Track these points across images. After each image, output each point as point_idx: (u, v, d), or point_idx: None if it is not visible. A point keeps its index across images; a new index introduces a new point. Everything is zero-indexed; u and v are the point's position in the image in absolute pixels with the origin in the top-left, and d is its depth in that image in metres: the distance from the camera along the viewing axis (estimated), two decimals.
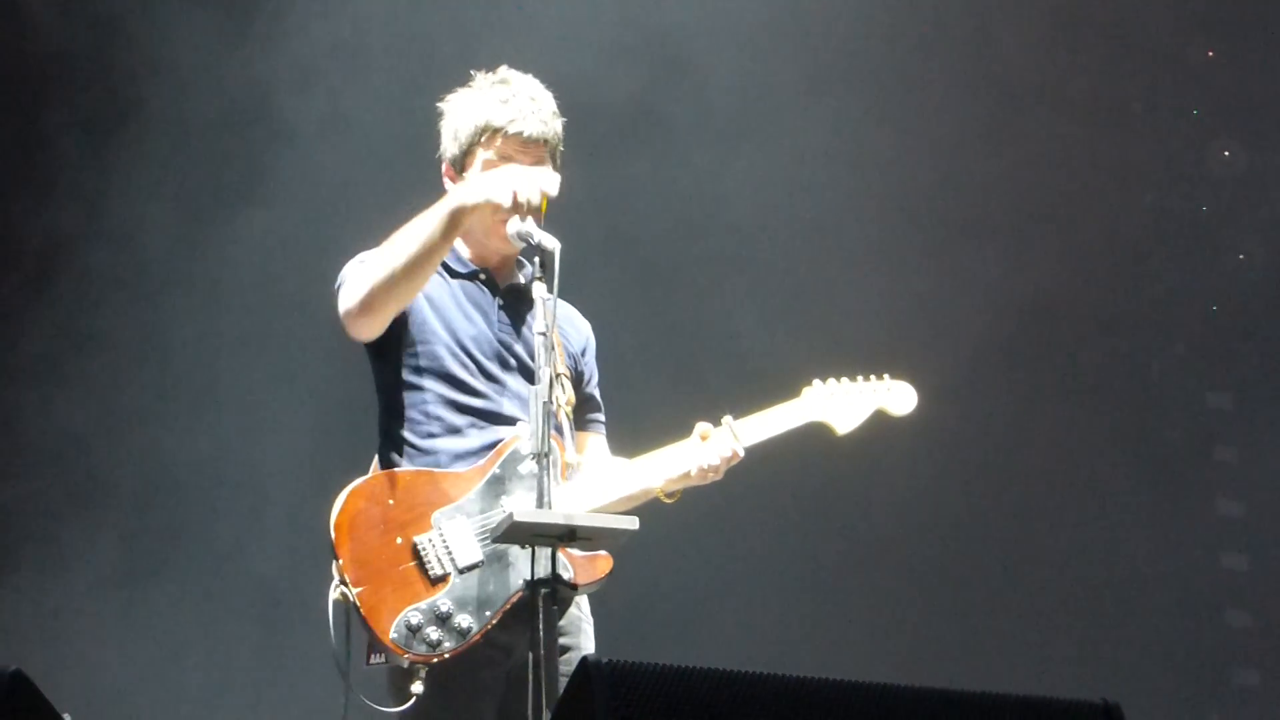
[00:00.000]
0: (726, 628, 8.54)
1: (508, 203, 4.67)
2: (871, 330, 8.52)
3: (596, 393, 5.29)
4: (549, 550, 4.35)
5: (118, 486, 8.50)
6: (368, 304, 4.80)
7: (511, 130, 4.96)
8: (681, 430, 5.03)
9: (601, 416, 5.29)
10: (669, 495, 5.01)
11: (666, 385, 8.27)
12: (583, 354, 5.26)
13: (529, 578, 4.39)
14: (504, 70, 5.11)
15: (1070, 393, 9.16)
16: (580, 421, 5.18)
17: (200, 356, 8.53)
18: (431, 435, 4.90)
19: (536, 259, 4.71)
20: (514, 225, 4.79)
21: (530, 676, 4.24)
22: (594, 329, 5.37)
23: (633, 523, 4.43)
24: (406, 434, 4.94)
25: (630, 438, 5.21)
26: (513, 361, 5.01)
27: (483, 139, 4.98)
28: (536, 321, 4.59)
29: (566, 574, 4.71)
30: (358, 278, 4.85)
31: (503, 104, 4.98)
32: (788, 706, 3.39)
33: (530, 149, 4.98)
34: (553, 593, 4.33)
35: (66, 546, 8.52)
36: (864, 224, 8.91)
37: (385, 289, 4.77)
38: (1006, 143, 9.00)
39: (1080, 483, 9.08)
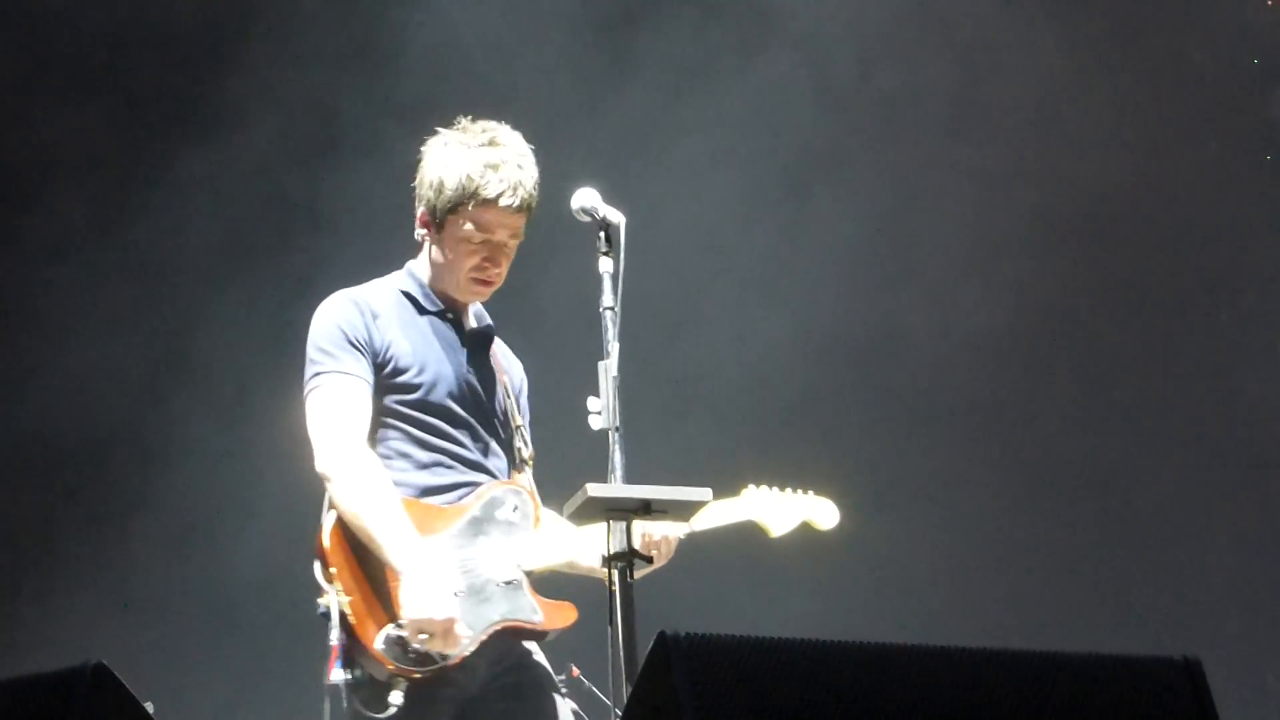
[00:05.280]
0: (780, 599, 8.53)
1: (414, 638, 4.62)
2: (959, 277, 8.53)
3: (528, 432, 5.28)
4: (624, 525, 4.39)
5: (186, 484, 8.61)
6: (325, 478, 4.82)
7: (502, 203, 4.97)
8: None
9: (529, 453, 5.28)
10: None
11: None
12: (519, 394, 5.28)
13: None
14: (493, 126, 5.10)
15: (1138, 346, 9.11)
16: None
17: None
18: (400, 470, 4.90)
19: (601, 234, 4.74)
20: (577, 200, 4.84)
21: (610, 653, 4.29)
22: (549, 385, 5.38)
23: (706, 494, 4.48)
24: None
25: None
26: (475, 404, 5.04)
27: (470, 204, 4.98)
28: (604, 296, 4.66)
29: (536, 617, 4.83)
30: (336, 451, 4.81)
31: (491, 170, 4.98)
32: (866, 673, 3.38)
33: (512, 219, 5.01)
34: (629, 566, 4.36)
35: (140, 540, 8.62)
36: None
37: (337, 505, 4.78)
38: (1068, 97, 8.97)
39: (1157, 433, 9.03)
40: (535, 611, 4.84)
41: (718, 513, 5.05)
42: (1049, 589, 8.76)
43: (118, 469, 8.86)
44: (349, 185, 9.01)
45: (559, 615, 4.88)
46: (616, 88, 9.07)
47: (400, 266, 5.20)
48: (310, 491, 8.07)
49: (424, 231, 5.11)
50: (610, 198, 4.94)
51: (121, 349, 8.80)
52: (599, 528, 4.81)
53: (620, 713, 4.10)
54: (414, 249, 5.19)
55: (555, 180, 5.08)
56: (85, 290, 8.85)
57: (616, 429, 4.44)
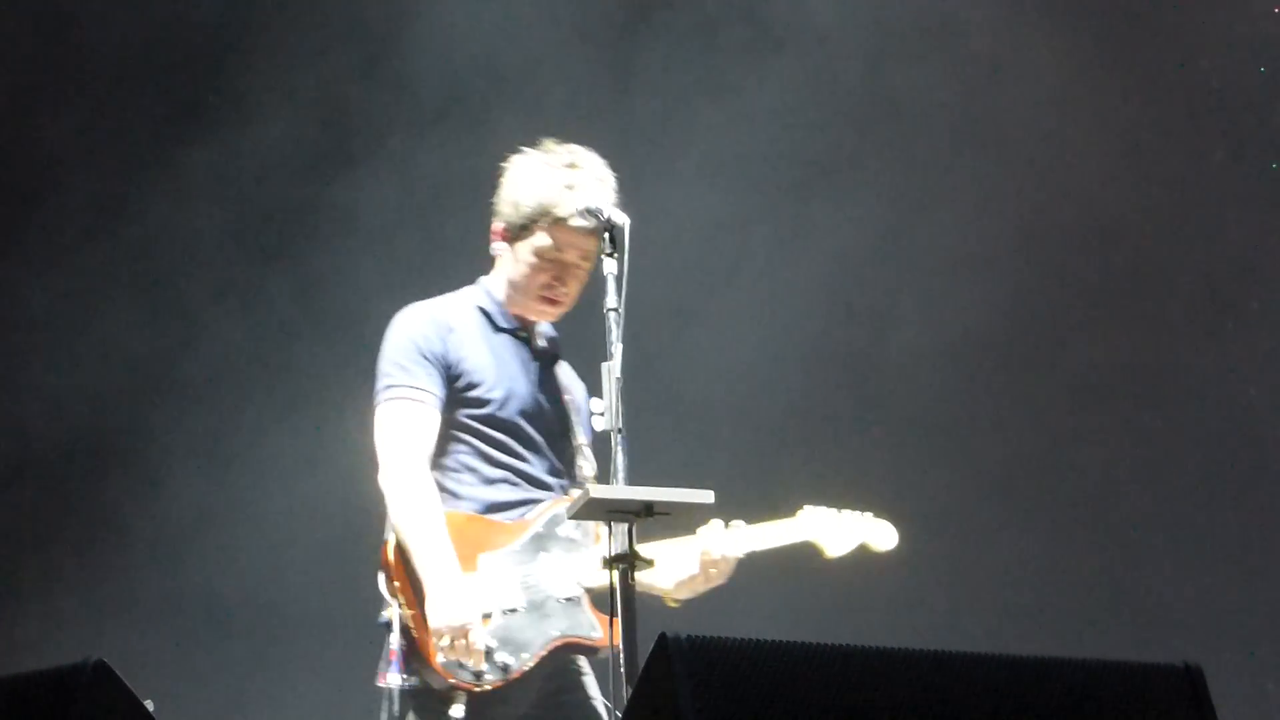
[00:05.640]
0: (781, 602, 8.51)
1: (438, 648, 4.71)
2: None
3: (590, 451, 5.38)
4: (625, 527, 4.40)
5: (187, 486, 8.61)
6: (384, 494, 4.93)
7: (573, 224, 5.08)
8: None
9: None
10: (674, 600, 5.15)
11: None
12: (582, 413, 5.34)
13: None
14: (576, 149, 5.23)
15: (1141, 355, 9.09)
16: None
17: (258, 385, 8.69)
18: (467, 484, 5.02)
19: (606, 235, 4.78)
20: (583, 202, 4.88)
21: (611, 655, 4.32)
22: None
23: (708, 497, 4.48)
24: (441, 479, 5.03)
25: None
26: (543, 422, 5.17)
27: (544, 222, 5.11)
28: (608, 298, 4.71)
29: (595, 633, 4.95)
30: (396, 469, 4.93)
31: (567, 190, 5.10)
32: (867, 677, 3.38)
33: (584, 241, 5.11)
34: (630, 568, 4.37)
35: (140, 541, 8.61)
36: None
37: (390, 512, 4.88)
38: (1072, 106, 8.96)
39: (1160, 441, 9.01)
40: (594, 628, 4.94)
41: (776, 533, 5.18)
42: (1049, 595, 8.73)
43: (118, 470, 8.84)
44: (356, 189, 9.00)
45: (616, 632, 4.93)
46: (623, 91, 9.07)
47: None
48: (312, 493, 8.13)
49: (501, 246, 5.22)
50: (616, 199, 4.96)
51: (123, 350, 8.78)
52: (655, 547, 4.88)
53: (621, 715, 4.10)
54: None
55: None
56: (86, 291, 8.84)
57: (619, 430, 4.46)
